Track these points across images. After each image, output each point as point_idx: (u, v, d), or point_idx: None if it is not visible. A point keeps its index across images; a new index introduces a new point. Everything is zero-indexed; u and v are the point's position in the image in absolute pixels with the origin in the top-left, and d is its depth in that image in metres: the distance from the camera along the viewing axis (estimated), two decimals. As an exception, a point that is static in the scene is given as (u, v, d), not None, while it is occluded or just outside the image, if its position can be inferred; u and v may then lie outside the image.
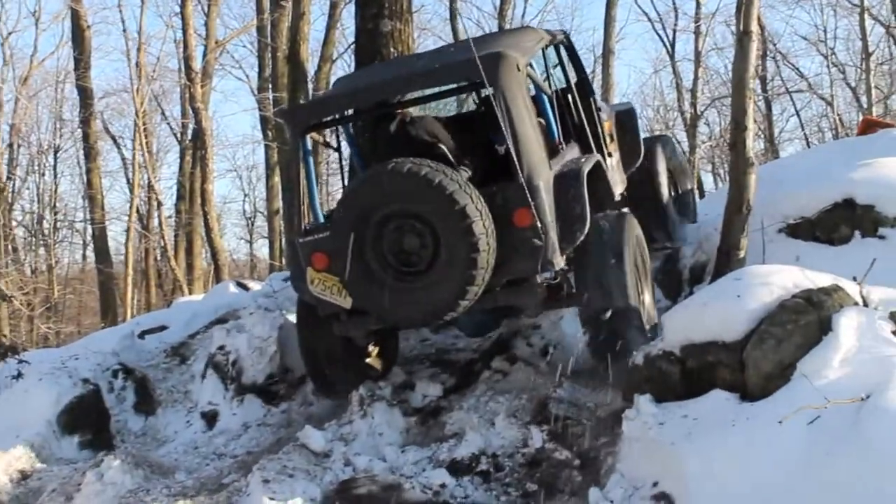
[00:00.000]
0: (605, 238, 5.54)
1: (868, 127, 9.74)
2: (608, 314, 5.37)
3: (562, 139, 5.94)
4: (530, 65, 5.83)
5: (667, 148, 8.00)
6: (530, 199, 5.15)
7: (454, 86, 5.92)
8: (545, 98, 5.93)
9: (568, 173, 5.51)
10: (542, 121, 5.83)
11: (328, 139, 8.04)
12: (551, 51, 6.58)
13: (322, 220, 5.90)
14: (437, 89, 6.05)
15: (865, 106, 23.20)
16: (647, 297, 5.92)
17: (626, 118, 7.57)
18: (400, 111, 6.04)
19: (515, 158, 5.22)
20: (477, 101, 6.78)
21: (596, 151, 6.25)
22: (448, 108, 7.38)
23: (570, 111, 6.39)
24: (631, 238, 5.66)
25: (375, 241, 5.24)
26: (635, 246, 5.73)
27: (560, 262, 5.31)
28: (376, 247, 5.24)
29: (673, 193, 7.87)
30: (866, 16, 23.13)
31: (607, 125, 7.00)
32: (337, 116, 6.13)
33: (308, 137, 6.06)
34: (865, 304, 4.62)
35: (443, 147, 5.73)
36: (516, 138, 5.29)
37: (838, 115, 26.21)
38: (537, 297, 5.53)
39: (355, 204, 5.27)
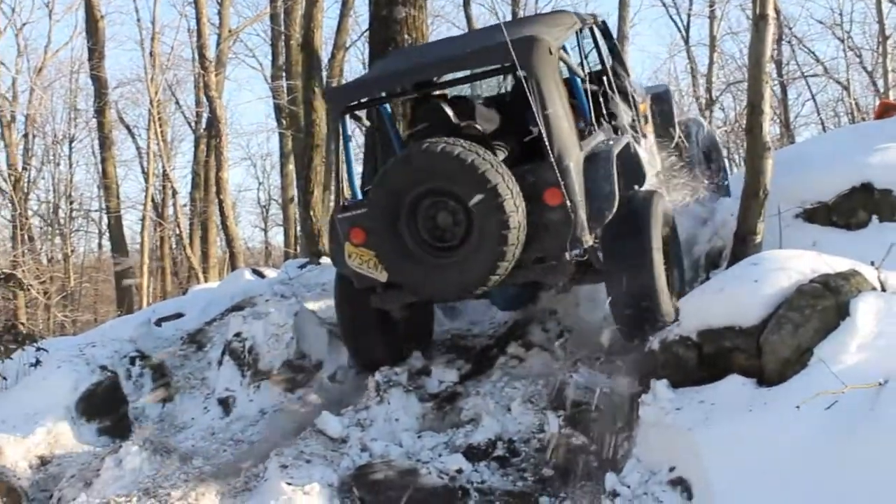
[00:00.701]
0: (634, 216, 5.61)
1: (885, 111, 9.68)
2: (635, 292, 5.40)
3: (594, 121, 6.01)
4: (563, 48, 5.92)
5: (700, 128, 8.18)
6: (560, 179, 5.26)
7: (489, 68, 5.99)
8: (578, 81, 5.99)
9: (598, 154, 5.59)
10: (575, 102, 5.88)
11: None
12: (586, 34, 6.64)
13: (360, 196, 6.05)
14: (471, 71, 6.16)
15: (882, 90, 22.97)
16: (676, 276, 5.94)
17: (661, 100, 7.67)
18: (436, 92, 6.17)
19: (546, 139, 5.32)
20: (513, 83, 6.83)
21: (630, 132, 6.32)
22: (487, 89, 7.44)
23: (605, 93, 6.44)
24: (658, 216, 5.70)
25: (410, 217, 5.40)
26: (663, 224, 5.78)
27: (588, 240, 5.38)
28: (411, 223, 5.40)
29: (707, 171, 7.98)
30: (883, -1, 22.90)
31: (642, 107, 7.10)
32: (375, 97, 6.31)
33: (347, 118, 6.22)
34: (883, 289, 4.61)
35: (478, 127, 5.86)
36: (547, 120, 5.39)
37: (854, 99, 25.95)
38: (566, 274, 5.61)
39: (391, 182, 5.41)
